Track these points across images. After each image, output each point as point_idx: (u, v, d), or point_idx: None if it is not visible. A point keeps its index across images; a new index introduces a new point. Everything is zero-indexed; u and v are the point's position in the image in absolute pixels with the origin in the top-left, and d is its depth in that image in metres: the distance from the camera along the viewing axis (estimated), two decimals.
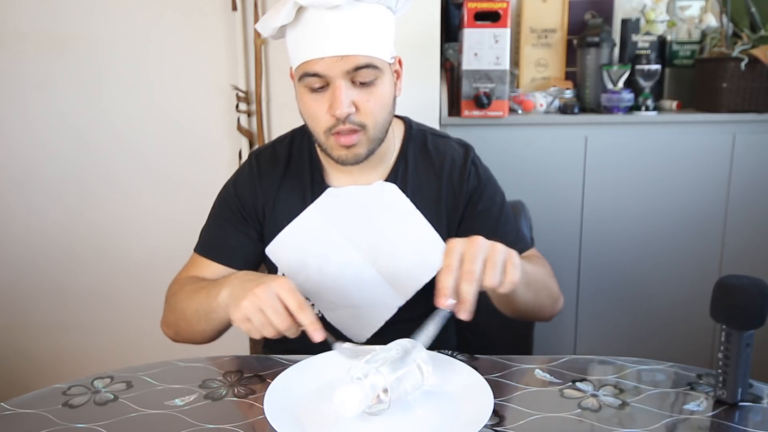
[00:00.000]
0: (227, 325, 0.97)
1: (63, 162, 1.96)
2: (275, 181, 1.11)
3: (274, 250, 1.10)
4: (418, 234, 1.07)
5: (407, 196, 1.08)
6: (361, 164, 1.03)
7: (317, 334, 0.83)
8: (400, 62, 1.05)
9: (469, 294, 0.79)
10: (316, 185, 1.09)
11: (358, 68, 0.94)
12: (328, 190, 1.08)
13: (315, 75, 0.95)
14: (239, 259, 1.10)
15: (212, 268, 1.09)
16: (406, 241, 1.07)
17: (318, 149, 1.09)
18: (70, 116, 1.93)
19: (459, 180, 1.10)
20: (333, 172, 1.09)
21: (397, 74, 1.05)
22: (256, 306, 0.83)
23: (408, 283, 1.07)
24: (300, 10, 0.94)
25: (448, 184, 1.10)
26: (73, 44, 1.88)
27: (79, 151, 1.95)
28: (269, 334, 0.85)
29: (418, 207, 1.08)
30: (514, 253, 0.84)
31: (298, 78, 0.98)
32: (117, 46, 1.88)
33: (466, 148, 1.14)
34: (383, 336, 1.04)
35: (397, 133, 1.12)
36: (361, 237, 1.07)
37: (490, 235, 1.06)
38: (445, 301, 0.79)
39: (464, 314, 0.79)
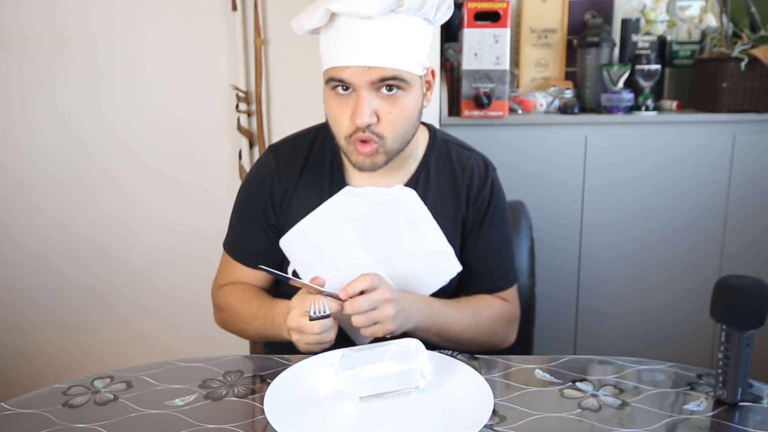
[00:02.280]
0: None
1: (62, 162, 1.96)
2: (294, 176, 1.11)
3: (287, 242, 1.10)
4: (432, 243, 1.07)
5: (427, 204, 1.08)
6: (382, 167, 1.03)
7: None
8: (432, 73, 1.04)
9: (342, 312, 0.90)
10: (335, 183, 1.09)
11: (383, 79, 0.94)
12: (346, 188, 1.08)
13: (341, 81, 0.95)
14: (264, 261, 1.10)
15: (246, 272, 1.14)
16: (420, 248, 1.07)
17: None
18: (69, 116, 1.93)
19: (477, 194, 1.11)
20: (354, 172, 1.09)
21: (428, 85, 1.04)
22: (305, 342, 0.92)
23: (417, 291, 1.07)
24: (334, 15, 0.94)
25: (466, 197, 1.10)
26: (73, 44, 1.88)
27: (79, 152, 1.95)
28: (328, 338, 0.92)
29: (436, 216, 1.08)
30: (392, 319, 0.92)
31: (326, 81, 0.98)
32: (116, 46, 1.87)
33: (489, 165, 1.14)
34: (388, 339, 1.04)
35: (421, 139, 1.12)
36: (376, 239, 1.07)
37: (485, 258, 1.10)
38: (344, 295, 0.91)
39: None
